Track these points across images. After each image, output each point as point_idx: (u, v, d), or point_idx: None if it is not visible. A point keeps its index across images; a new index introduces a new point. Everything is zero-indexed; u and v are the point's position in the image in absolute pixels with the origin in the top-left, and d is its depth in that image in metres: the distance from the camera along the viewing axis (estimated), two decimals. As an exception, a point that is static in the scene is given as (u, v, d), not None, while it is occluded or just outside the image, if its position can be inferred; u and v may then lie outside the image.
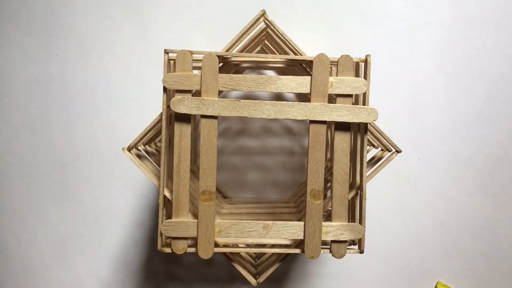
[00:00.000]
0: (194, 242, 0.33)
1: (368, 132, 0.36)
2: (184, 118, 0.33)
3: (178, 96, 0.32)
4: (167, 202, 0.34)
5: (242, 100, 0.32)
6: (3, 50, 0.54)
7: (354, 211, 0.35)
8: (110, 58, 0.54)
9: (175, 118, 0.33)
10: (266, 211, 0.47)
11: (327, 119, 0.32)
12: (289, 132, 0.54)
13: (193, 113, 0.32)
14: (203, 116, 0.32)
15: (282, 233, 0.33)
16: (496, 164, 0.54)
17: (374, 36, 0.53)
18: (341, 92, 0.33)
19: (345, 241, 0.34)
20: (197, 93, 0.33)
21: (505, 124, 0.54)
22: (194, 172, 0.47)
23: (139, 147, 0.38)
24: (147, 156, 0.39)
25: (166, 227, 0.33)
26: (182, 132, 0.33)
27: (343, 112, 0.32)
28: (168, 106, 0.33)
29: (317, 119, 0.33)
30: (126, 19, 0.53)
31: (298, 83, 0.33)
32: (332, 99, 0.34)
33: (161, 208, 0.33)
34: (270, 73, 0.53)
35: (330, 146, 0.49)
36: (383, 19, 0.53)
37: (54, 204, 0.54)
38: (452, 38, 0.53)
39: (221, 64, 0.42)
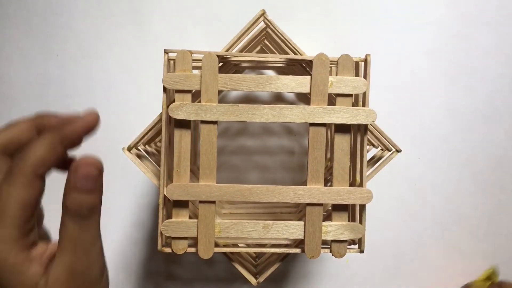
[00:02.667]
0: (194, 242, 0.33)
1: (368, 132, 0.36)
2: (184, 123, 0.33)
3: (176, 102, 0.32)
4: (167, 202, 0.34)
5: (240, 105, 0.32)
6: (3, 50, 0.54)
7: (354, 211, 0.35)
8: (110, 58, 0.53)
9: (174, 123, 0.33)
10: (266, 211, 0.47)
11: (326, 122, 0.32)
12: (289, 132, 0.54)
13: (191, 119, 0.32)
14: (202, 122, 0.32)
15: (282, 232, 0.33)
16: (496, 164, 0.54)
17: (374, 36, 0.53)
18: (341, 92, 0.33)
19: (345, 241, 0.34)
20: (197, 93, 0.33)
21: (505, 124, 0.54)
22: (194, 172, 0.47)
23: (139, 147, 0.38)
24: (147, 156, 0.39)
25: (166, 227, 0.33)
26: (182, 133, 0.33)
27: (342, 114, 0.32)
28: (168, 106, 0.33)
29: (316, 122, 0.33)
30: (126, 19, 0.53)
31: (298, 83, 0.33)
32: (332, 98, 0.34)
33: (161, 208, 0.33)
34: (270, 73, 0.53)
35: (330, 146, 0.49)
36: (383, 19, 0.53)
37: (54, 204, 0.54)
38: (452, 38, 0.53)
39: (221, 64, 0.42)
